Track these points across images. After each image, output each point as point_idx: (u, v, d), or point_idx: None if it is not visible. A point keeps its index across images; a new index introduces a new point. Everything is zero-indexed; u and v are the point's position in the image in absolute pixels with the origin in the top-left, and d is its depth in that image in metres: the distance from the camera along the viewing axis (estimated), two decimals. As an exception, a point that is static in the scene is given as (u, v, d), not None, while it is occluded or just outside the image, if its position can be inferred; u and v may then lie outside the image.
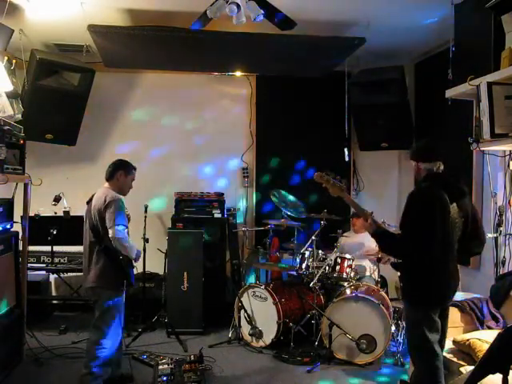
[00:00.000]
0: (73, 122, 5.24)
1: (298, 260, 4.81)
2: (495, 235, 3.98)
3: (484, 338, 3.18)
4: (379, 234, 2.96)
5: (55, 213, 5.06)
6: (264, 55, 5.02)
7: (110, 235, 3.34)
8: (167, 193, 5.67)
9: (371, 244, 4.95)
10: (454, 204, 2.86)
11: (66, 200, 4.90)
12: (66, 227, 5.01)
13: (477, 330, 3.58)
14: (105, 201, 3.41)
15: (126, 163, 3.72)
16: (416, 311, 2.88)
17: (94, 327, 3.47)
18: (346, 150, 5.63)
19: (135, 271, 5.28)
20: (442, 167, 2.96)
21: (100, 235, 3.42)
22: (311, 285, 4.55)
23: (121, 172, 3.63)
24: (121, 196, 3.53)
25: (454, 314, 3.76)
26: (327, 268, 4.66)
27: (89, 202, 3.59)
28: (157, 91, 5.95)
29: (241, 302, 4.70)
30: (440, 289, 2.87)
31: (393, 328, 4.22)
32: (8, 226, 4.02)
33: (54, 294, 5.77)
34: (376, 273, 4.79)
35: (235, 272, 5.58)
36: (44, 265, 5.12)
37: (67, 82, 5.03)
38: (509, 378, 1.91)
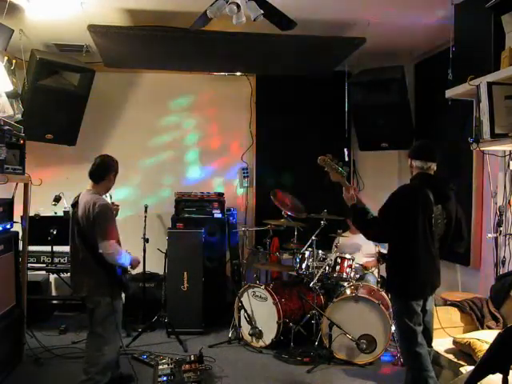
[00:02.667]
0: (73, 122, 5.25)
1: (297, 260, 4.81)
2: (495, 235, 3.98)
3: (484, 338, 3.18)
4: (357, 207, 3.13)
5: (55, 213, 5.06)
6: (264, 55, 5.02)
7: (100, 250, 3.21)
8: (167, 193, 5.67)
9: (369, 246, 4.96)
10: (439, 206, 3.04)
11: (66, 200, 4.90)
12: (66, 227, 4.96)
13: (477, 329, 3.58)
14: (93, 209, 3.23)
15: (115, 163, 3.52)
16: (397, 301, 3.10)
17: (93, 334, 3.37)
18: (345, 149, 5.63)
19: (135, 271, 5.36)
20: (434, 168, 3.11)
21: (90, 243, 3.26)
22: (311, 285, 4.55)
23: (114, 173, 3.48)
24: (108, 202, 3.39)
25: (454, 314, 3.77)
26: (327, 268, 4.66)
27: (74, 205, 3.41)
28: (157, 91, 5.95)
29: (241, 301, 4.70)
30: (417, 280, 3.03)
31: (393, 328, 4.21)
32: (8, 226, 4.02)
33: (53, 294, 5.77)
34: (376, 272, 4.79)
35: (235, 272, 5.58)
36: (44, 265, 5.11)
37: (67, 82, 5.03)
38: (509, 377, 1.91)
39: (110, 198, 3.63)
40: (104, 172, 3.43)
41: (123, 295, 3.61)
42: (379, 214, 3.04)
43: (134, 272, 5.32)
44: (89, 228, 3.26)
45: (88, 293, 3.35)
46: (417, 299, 3.03)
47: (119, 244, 3.46)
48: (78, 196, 3.44)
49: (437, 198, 3.02)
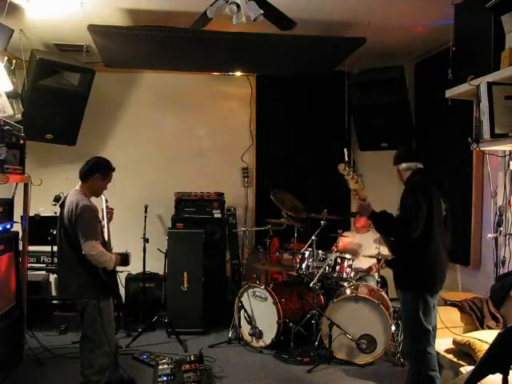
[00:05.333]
0: (73, 121, 5.24)
1: (297, 260, 4.80)
2: (495, 235, 3.98)
3: (484, 338, 3.18)
4: (379, 214, 3.08)
5: (55, 213, 5.03)
6: (264, 55, 5.03)
7: (83, 251, 3.13)
8: (167, 193, 5.67)
9: (369, 247, 4.96)
10: (441, 198, 3.12)
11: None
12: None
13: (477, 329, 3.58)
14: (76, 210, 3.15)
15: (104, 165, 3.38)
16: (414, 298, 3.04)
17: (85, 337, 3.31)
18: (345, 149, 5.62)
19: (135, 271, 5.36)
20: (420, 167, 3.21)
21: (75, 244, 3.17)
22: (311, 285, 4.55)
23: (97, 175, 3.32)
24: (92, 203, 3.25)
25: (454, 314, 3.77)
26: (327, 268, 4.66)
27: (62, 206, 3.32)
28: (157, 91, 5.95)
29: (241, 301, 4.70)
30: (437, 273, 3.07)
31: (393, 328, 4.22)
32: (8, 226, 4.02)
33: (53, 294, 5.76)
34: (376, 273, 4.79)
35: (235, 272, 5.58)
36: (44, 265, 5.12)
37: (67, 82, 5.03)
38: (509, 377, 1.91)
39: (106, 201, 3.58)
40: (88, 171, 3.33)
41: (123, 295, 3.57)
42: (413, 210, 2.96)
43: (133, 272, 5.39)
44: (72, 229, 3.19)
45: (73, 295, 3.32)
46: (434, 293, 3.06)
47: (110, 246, 3.44)
48: (66, 196, 3.36)
49: (439, 191, 3.12)
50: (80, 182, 3.36)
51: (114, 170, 3.44)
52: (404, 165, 3.22)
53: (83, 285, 3.23)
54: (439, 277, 3.10)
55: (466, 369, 3.07)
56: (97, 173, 3.32)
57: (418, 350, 3.04)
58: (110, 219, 3.58)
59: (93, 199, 3.38)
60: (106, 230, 3.47)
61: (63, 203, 3.33)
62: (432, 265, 3.04)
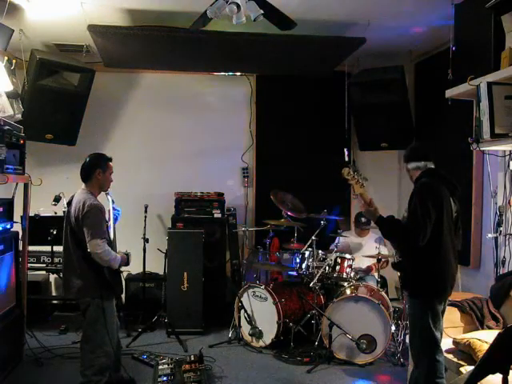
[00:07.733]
0: (73, 122, 5.25)
1: (297, 260, 4.80)
2: (495, 235, 3.98)
3: (484, 338, 3.18)
4: (386, 220, 2.99)
5: (55, 213, 5.05)
6: (264, 55, 5.03)
7: (88, 250, 3.15)
8: (167, 193, 5.67)
9: (369, 247, 4.97)
10: (451, 198, 3.01)
11: (66, 200, 4.89)
12: (66, 227, 5.00)
13: (477, 329, 3.58)
14: (83, 209, 3.18)
15: (100, 159, 3.43)
16: (424, 304, 2.94)
17: (86, 337, 3.31)
18: (345, 149, 5.63)
19: (135, 271, 5.36)
20: (432, 167, 3.09)
21: (80, 243, 3.20)
22: (311, 285, 4.55)
23: (98, 170, 3.35)
24: (99, 203, 3.30)
25: (453, 314, 3.76)
26: (327, 268, 4.66)
27: (69, 204, 3.36)
28: (157, 91, 5.95)
29: (241, 301, 4.70)
30: (447, 279, 2.97)
31: (393, 328, 4.22)
32: (8, 226, 4.02)
33: (54, 294, 5.77)
34: (376, 273, 4.79)
35: (235, 272, 5.58)
36: (44, 265, 5.12)
37: (67, 82, 5.04)
38: (509, 377, 1.91)
39: (113, 202, 3.58)
40: (87, 170, 3.37)
41: (123, 295, 3.56)
42: (421, 218, 2.84)
43: (133, 272, 5.39)
44: (79, 227, 3.21)
45: (76, 294, 3.30)
46: (443, 299, 2.97)
47: (115, 246, 3.44)
48: (73, 195, 3.39)
49: (449, 191, 3.00)
50: (84, 184, 3.40)
51: (110, 159, 3.47)
52: (413, 164, 3.09)
53: (87, 284, 3.24)
54: (449, 282, 2.98)
55: (466, 369, 3.06)
56: (96, 169, 3.36)
57: (426, 357, 2.92)
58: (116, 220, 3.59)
59: (99, 200, 3.39)
60: (111, 230, 3.48)
61: (70, 202, 3.36)
62: (442, 270, 2.93)
